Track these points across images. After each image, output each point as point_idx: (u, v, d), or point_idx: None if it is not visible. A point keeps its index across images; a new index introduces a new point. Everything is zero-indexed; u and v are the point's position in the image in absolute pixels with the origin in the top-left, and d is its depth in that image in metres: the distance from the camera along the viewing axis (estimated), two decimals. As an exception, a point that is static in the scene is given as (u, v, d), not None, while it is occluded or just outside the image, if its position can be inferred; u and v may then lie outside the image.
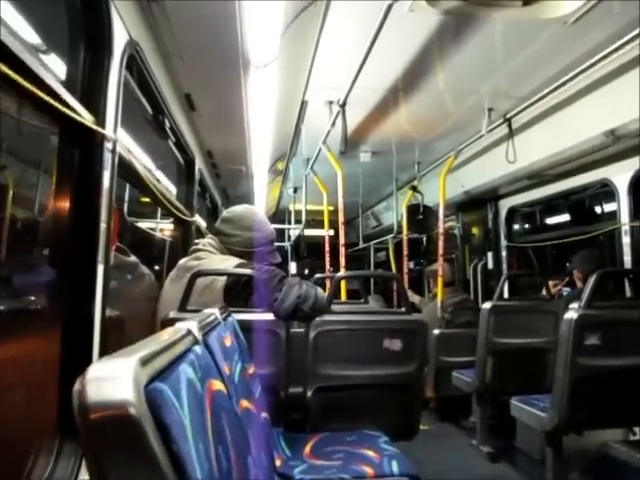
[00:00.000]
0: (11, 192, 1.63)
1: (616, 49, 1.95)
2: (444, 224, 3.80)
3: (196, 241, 2.74)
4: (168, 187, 3.06)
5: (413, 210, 4.47)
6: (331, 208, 4.21)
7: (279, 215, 6.38)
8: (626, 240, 2.76)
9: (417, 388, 1.88)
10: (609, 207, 3.30)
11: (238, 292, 1.74)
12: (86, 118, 1.24)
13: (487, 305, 2.80)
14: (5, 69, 0.85)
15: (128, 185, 2.56)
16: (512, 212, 4.17)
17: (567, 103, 2.53)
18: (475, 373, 2.86)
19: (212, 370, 0.83)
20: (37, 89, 0.97)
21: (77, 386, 0.47)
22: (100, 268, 1.29)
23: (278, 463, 1.45)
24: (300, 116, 2.82)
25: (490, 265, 4.33)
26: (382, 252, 7.04)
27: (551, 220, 4.15)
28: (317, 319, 1.76)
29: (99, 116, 1.31)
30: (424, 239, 5.40)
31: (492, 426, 2.95)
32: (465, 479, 2.59)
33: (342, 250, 3.47)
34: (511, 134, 2.91)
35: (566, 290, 3.50)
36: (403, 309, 1.89)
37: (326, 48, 2.06)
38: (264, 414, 1.44)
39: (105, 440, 0.47)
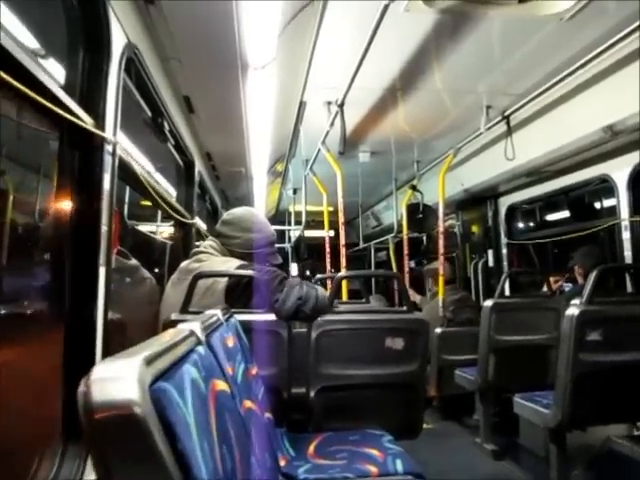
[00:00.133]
0: (11, 197, 1.64)
1: (613, 45, 1.95)
2: (444, 223, 3.80)
3: (197, 243, 2.74)
4: (168, 189, 3.05)
5: (413, 209, 4.47)
6: (331, 208, 4.21)
7: (279, 216, 6.38)
8: (626, 235, 2.76)
9: (420, 387, 1.88)
10: (609, 203, 3.30)
11: (239, 293, 1.74)
12: (86, 121, 1.24)
13: (488, 303, 2.80)
14: (5, 76, 0.86)
15: (128, 188, 2.57)
16: (512, 209, 4.17)
17: (565, 99, 2.53)
18: (477, 371, 2.86)
19: (215, 370, 0.83)
20: (37, 93, 0.97)
21: (82, 387, 0.47)
22: (102, 271, 1.30)
23: (282, 463, 1.45)
24: (299, 117, 2.82)
25: (491, 263, 4.33)
26: (382, 252, 7.03)
27: (551, 217, 4.14)
28: (319, 319, 1.76)
29: (99, 119, 1.32)
30: (424, 238, 5.39)
31: (495, 424, 2.95)
32: (469, 477, 2.58)
33: (343, 250, 3.47)
34: (509, 131, 2.91)
35: (567, 286, 3.50)
36: (405, 308, 1.89)
37: (324, 48, 2.07)
38: (267, 414, 1.44)
39: (111, 440, 0.47)
